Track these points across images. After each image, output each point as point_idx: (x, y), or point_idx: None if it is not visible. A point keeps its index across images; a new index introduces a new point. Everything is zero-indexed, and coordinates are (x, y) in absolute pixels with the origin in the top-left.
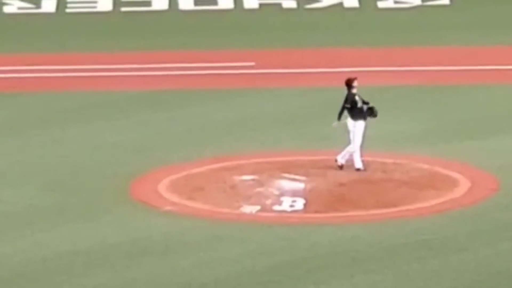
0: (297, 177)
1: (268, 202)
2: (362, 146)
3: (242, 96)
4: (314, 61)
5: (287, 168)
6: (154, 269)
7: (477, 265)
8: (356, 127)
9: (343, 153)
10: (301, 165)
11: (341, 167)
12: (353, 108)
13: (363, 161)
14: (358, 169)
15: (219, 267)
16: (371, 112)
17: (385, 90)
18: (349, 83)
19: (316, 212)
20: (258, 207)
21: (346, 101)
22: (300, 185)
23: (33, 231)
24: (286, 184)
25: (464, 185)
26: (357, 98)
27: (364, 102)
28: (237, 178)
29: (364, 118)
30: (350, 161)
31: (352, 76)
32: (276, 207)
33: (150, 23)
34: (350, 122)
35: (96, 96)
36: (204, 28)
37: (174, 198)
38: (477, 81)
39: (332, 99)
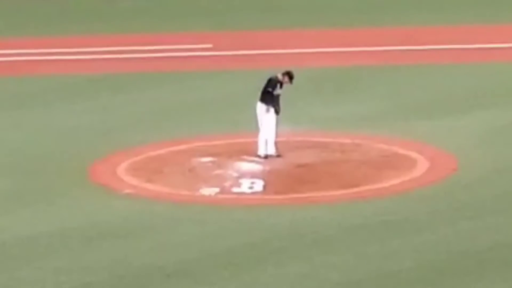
0: (256, 158)
1: (227, 184)
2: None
3: (200, 79)
4: (272, 43)
5: (246, 150)
6: (114, 252)
7: (437, 245)
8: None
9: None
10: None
11: (266, 156)
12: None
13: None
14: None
15: (179, 250)
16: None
17: (343, 70)
18: (291, 76)
19: (275, 193)
20: (217, 189)
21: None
22: (259, 167)
23: None
24: (245, 165)
25: (423, 165)
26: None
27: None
28: (196, 161)
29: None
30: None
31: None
32: (235, 189)
33: (108, 6)
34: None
35: (54, 80)
36: (161, 11)
37: (133, 181)
38: (434, 61)
39: None
